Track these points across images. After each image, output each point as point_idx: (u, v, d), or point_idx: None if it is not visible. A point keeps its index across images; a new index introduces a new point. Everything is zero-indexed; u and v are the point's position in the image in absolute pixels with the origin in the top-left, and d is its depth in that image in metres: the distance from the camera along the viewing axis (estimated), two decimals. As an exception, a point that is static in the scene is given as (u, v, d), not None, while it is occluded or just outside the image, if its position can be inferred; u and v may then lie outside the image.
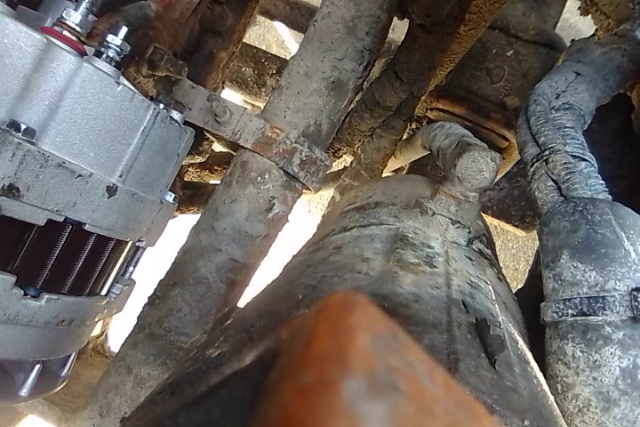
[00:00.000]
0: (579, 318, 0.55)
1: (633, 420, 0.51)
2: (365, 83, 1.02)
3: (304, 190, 0.87)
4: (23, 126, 0.50)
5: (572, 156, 0.65)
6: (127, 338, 0.81)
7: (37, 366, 0.65)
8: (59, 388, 0.72)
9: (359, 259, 0.51)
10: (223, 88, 1.17)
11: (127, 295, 0.78)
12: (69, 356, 0.73)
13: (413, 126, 1.36)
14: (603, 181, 0.64)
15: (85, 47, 0.57)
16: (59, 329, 0.61)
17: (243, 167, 0.81)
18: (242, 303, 0.64)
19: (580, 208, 0.60)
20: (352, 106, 1.10)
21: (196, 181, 1.28)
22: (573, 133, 0.68)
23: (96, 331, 0.91)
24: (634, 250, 0.56)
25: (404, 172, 1.44)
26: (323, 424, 0.14)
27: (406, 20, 0.97)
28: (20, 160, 0.50)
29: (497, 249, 0.88)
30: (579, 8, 0.99)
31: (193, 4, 0.79)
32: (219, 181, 0.85)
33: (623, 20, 0.87)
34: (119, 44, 0.58)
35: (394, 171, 1.43)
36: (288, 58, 0.91)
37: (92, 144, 0.57)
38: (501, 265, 0.79)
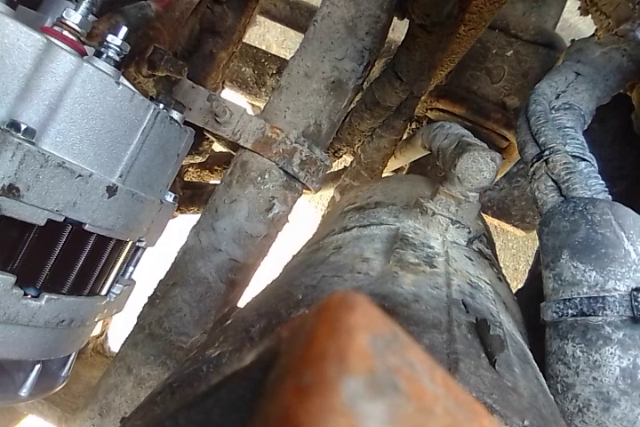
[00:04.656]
0: (579, 318, 0.55)
1: (633, 420, 0.51)
2: (365, 83, 1.02)
3: (304, 190, 0.87)
4: (23, 126, 0.50)
5: (572, 156, 0.65)
6: (127, 338, 0.81)
7: (37, 366, 0.65)
8: (59, 388, 0.72)
9: (359, 259, 0.51)
10: (223, 88, 1.17)
11: (127, 295, 0.78)
12: (69, 356, 0.73)
13: (413, 126, 1.36)
14: (603, 181, 0.64)
15: (85, 47, 0.57)
16: (59, 329, 0.61)
17: (243, 167, 0.81)
18: (242, 303, 0.64)
19: (580, 208, 0.60)
20: (352, 106, 1.10)
21: (196, 181, 1.28)
22: (573, 133, 0.68)
23: (96, 331, 0.91)
24: (634, 250, 0.56)
25: (404, 172, 1.44)
26: (322, 424, 0.14)
27: (406, 20, 0.97)
28: (20, 160, 0.50)
29: (497, 249, 0.88)
30: (579, 8, 0.99)
31: (193, 4, 0.80)
32: (219, 181, 0.85)
33: (623, 20, 0.87)
34: (119, 44, 0.58)
35: (394, 171, 1.43)
36: (288, 58, 0.91)
37: (91, 144, 0.57)
38: (501, 265, 0.78)
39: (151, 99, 0.65)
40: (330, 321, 0.17)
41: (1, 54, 0.49)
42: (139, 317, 0.81)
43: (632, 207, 0.60)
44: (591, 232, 0.58)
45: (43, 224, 0.54)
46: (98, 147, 0.57)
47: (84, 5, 0.56)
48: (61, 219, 0.56)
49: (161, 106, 0.65)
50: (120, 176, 0.60)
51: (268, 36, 2.60)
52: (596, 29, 0.92)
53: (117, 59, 0.58)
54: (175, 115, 0.68)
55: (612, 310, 0.53)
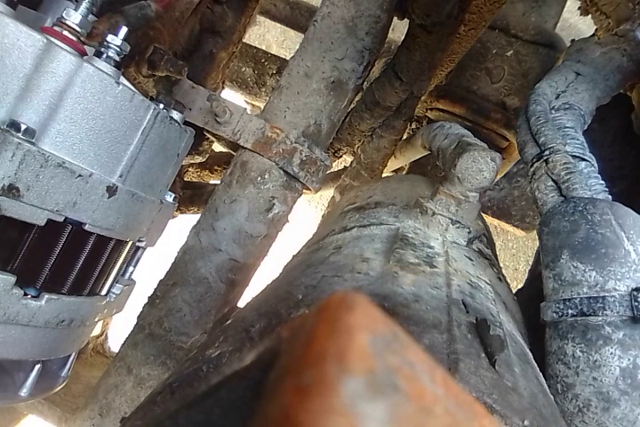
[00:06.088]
0: (579, 318, 0.55)
1: (633, 420, 0.51)
2: (365, 83, 1.02)
3: (304, 190, 0.87)
4: (23, 126, 0.50)
5: (572, 156, 0.65)
6: (127, 338, 0.81)
7: (37, 366, 0.65)
8: (59, 388, 0.72)
9: (359, 259, 0.51)
10: (223, 88, 1.17)
11: (127, 295, 0.78)
12: (69, 356, 0.73)
13: (413, 126, 1.36)
14: (603, 181, 0.64)
15: (85, 47, 0.57)
16: (59, 329, 0.61)
17: (243, 167, 0.81)
18: (242, 303, 0.64)
19: (580, 208, 0.60)
20: (352, 106, 1.10)
21: (196, 181, 1.28)
22: (573, 133, 0.68)
23: (96, 331, 0.91)
24: (634, 250, 0.56)
25: (404, 172, 1.44)
26: (322, 424, 0.14)
27: (406, 20, 0.97)
28: (20, 160, 0.50)
29: (497, 249, 0.88)
30: (579, 8, 0.99)
31: (193, 4, 0.79)
32: (219, 181, 0.85)
33: (623, 20, 0.87)
34: (119, 44, 0.58)
35: (394, 171, 1.43)
36: (288, 58, 0.91)
37: (91, 144, 0.57)
38: (501, 265, 0.78)
39: (151, 99, 0.65)
40: (330, 321, 0.17)
41: (1, 54, 0.49)
42: (139, 317, 0.81)
43: (632, 207, 0.60)
44: (591, 232, 0.58)
45: (43, 224, 0.54)
46: (98, 147, 0.57)
47: (83, 5, 0.56)
48: (61, 219, 0.56)
49: (161, 106, 0.65)
50: (120, 176, 0.60)
51: (268, 36, 2.60)
52: (596, 29, 0.92)
53: (117, 59, 0.58)
54: (175, 115, 0.68)
55: (612, 310, 0.53)
